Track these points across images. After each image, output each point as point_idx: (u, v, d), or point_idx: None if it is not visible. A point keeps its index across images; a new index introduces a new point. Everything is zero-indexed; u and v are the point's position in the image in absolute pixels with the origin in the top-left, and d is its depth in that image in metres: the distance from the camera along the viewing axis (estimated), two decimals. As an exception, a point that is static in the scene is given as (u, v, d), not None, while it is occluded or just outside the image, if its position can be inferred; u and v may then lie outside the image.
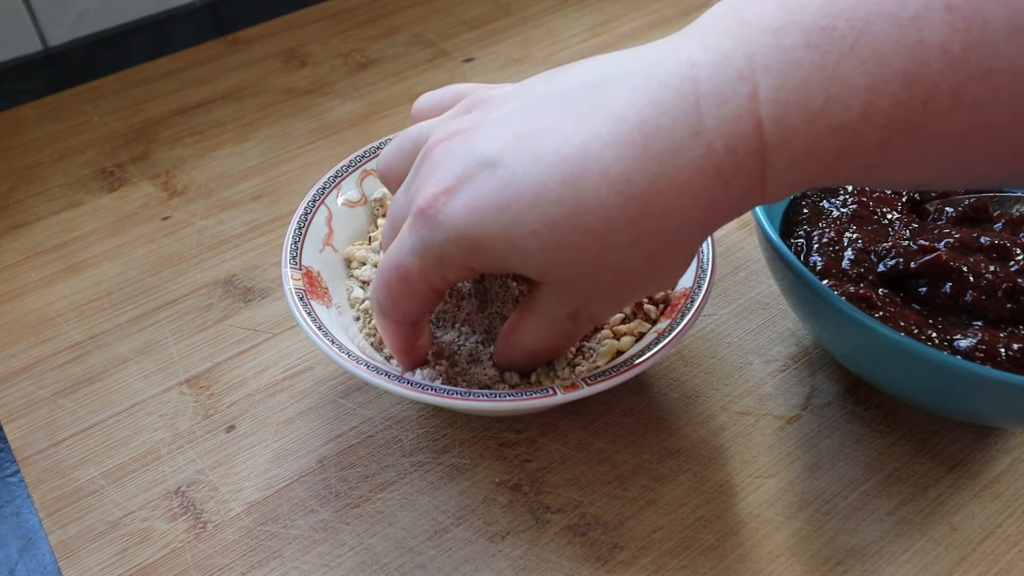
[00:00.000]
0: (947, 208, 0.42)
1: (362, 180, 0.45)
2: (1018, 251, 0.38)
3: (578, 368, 0.38)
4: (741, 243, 0.50)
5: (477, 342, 0.39)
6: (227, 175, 0.57)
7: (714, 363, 0.44)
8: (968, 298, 0.37)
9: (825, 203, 0.43)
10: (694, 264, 0.39)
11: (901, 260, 0.39)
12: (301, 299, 0.38)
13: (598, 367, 0.37)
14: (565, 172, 0.28)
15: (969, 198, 0.42)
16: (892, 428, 0.41)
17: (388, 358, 0.40)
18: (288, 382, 0.44)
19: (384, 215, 0.45)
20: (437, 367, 0.38)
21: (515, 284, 0.38)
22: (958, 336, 0.36)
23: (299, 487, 0.39)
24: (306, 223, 0.42)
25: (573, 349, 0.38)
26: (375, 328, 0.41)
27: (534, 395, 0.35)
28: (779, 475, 0.39)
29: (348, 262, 0.43)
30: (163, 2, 0.74)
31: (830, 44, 0.25)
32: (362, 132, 0.60)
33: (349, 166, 0.45)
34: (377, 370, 0.35)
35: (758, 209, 0.38)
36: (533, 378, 0.38)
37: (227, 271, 0.50)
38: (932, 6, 0.24)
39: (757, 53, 0.26)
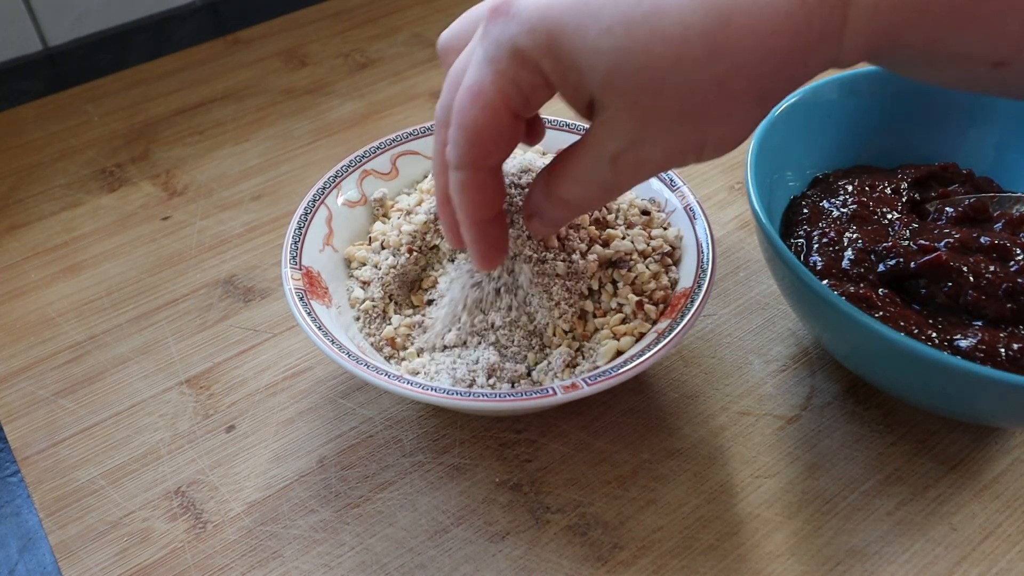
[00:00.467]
0: (947, 208, 0.42)
1: (362, 180, 0.45)
2: (1018, 251, 0.38)
3: (578, 368, 0.38)
4: (741, 243, 0.50)
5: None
6: (227, 175, 0.57)
7: (714, 363, 0.44)
8: (968, 298, 0.37)
9: (825, 203, 0.43)
10: (694, 264, 0.39)
11: (901, 260, 0.39)
12: (301, 299, 0.38)
13: (598, 367, 0.37)
14: None
15: (969, 198, 0.42)
16: (892, 428, 0.41)
17: (388, 358, 0.40)
18: (288, 382, 0.44)
19: (384, 215, 0.45)
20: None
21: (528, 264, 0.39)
22: (958, 336, 0.36)
23: (299, 487, 0.39)
24: (306, 223, 0.42)
25: (573, 349, 0.38)
26: (375, 328, 0.41)
27: (534, 395, 0.35)
28: (779, 475, 0.39)
29: (348, 262, 0.43)
30: (163, 2, 0.74)
31: None
32: (362, 132, 0.60)
33: (349, 166, 0.45)
34: (377, 370, 0.35)
35: (758, 209, 0.38)
36: (534, 376, 0.38)
37: (227, 271, 0.50)
38: None
39: None
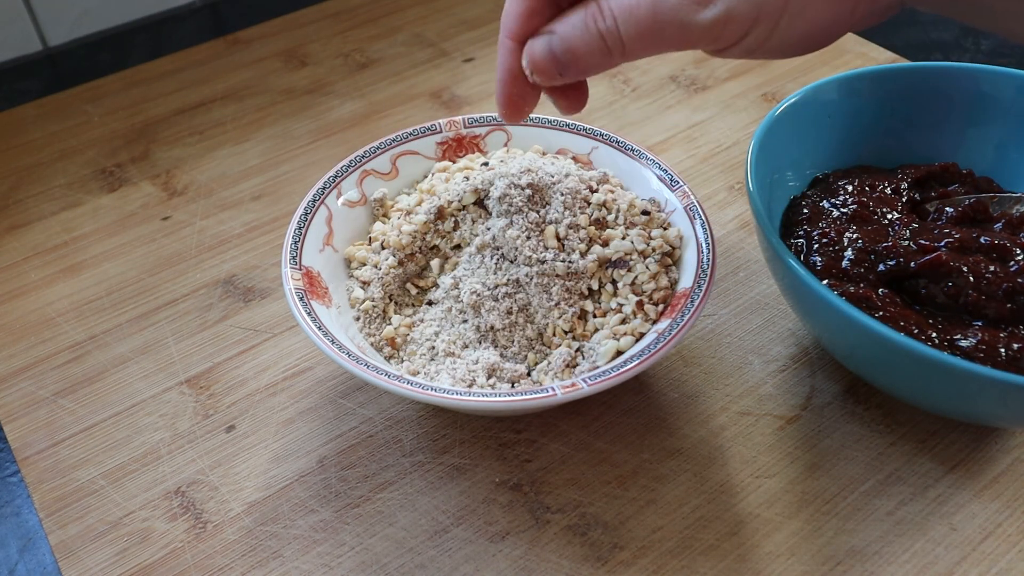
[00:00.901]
0: (947, 208, 0.42)
1: (362, 180, 0.45)
2: (1018, 251, 0.38)
3: (578, 368, 0.38)
4: (741, 243, 0.50)
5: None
6: (227, 175, 0.57)
7: (714, 363, 0.44)
8: (968, 298, 0.37)
9: (825, 203, 0.43)
10: (694, 264, 0.39)
11: (901, 260, 0.39)
12: (301, 299, 0.38)
13: (598, 367, 0.37)
14: None
15: (969, 198, 0.42)
16: (892, 428, 0.41)
17: (388, 358, 0.40)
18: (288, 382, 0.44)
19: (384, 215, 0.45)
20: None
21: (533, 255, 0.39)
22: (958, 336, 0.36)
23: (299, 487, 0.39)
24: (306, 223, 0.42)
25: (573, 349, 0.38)
26: (375, 328, 0.41)
27: (534, 395, 0.35)
28: (779, 475, 0.39)
29: (348, 262, 0.43)
30: (163, 2, 0.74)
31: None
32: (362, 132, 0.60)
33: (349, 166, 0.45)
34: (377, 370, 0.35)
35: (758, 209, 0.38)
36: (534, 376, 0.38)
37: (227, 271, 0.50)
38: None
39: None
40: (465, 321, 0.40)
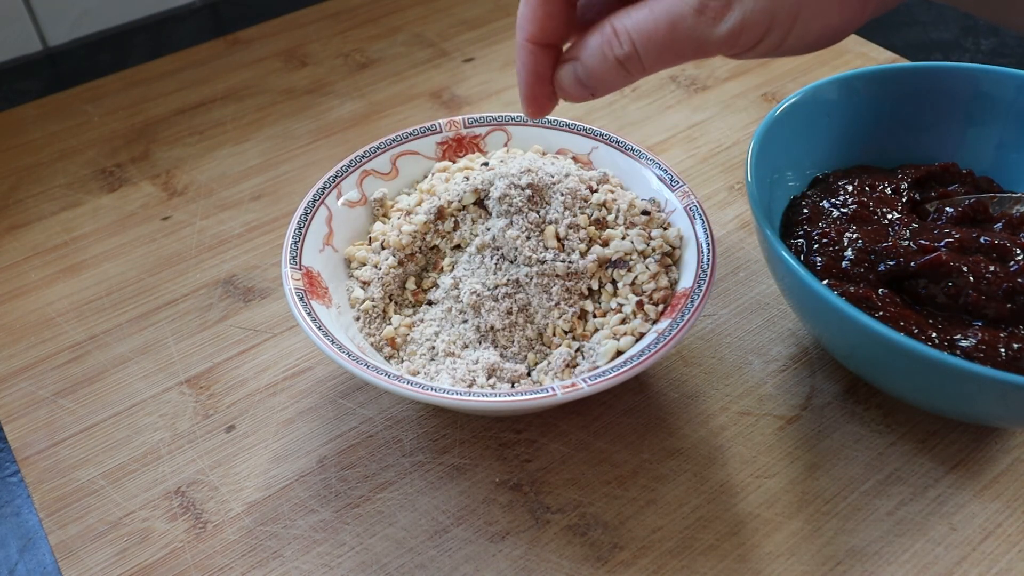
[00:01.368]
0: (947, 208, 0.42)
1: (362, 180, 0.45)
2: (1018, 251, 0.38)
3: (578, 368, 0.38)
4: (741, 243, 0.50)
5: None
6: (227, 175, 0.57)
7: (714, 363, 0.44)
8: (968, 298, 0.37)
9: (825, 203, 0.43)
10: (694, 264, 0.39)
11: (901, 260, 0.39)
12: (301, 299, 0.38)
13: (598, 367, 0.37)
14: None
15: (969, 198, 0.42)
16: (892, 428, 0.41)
17: (388, 358, 0.40)
18: (288, 382, 0.44)
19: (384, 215, 0.45)
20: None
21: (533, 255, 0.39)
22: (958, 336, 0.36)
23: (299, 487, 0.39)
24: (306, 223, 0.42)
25: (573, 349, 0.38)
26: (375, 328, 0.41)
27: (534, 395, 0.35)
28: (779, 475, 0.39)
29: (348, 262, 0.43)
30: (163, 2, 0.74)
31: None
32: (362, 132, 0.60)
33: (349, 166, 0.45)
34: (377, 370, 0.35)
35: (758, 209, 0.38)
36: (534, 376, 0.38)
37: (227, 271, 0.50)
38: None
39: None
40: (465, 321, 0.40)
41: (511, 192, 0.40)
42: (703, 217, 0.41)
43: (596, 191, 0.42)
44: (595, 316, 0.39)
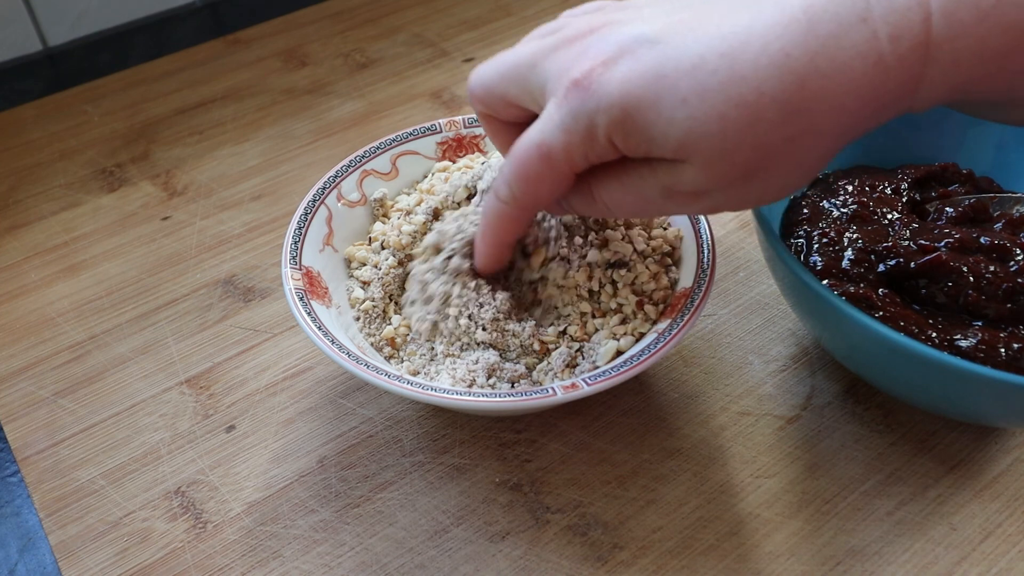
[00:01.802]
0: (947, 208, 0.42)
1: (362, 180, 0.45)
2: (1018, 251, 0.38)
3: (578, 368, 0.38)
4: (741, 243, 0.50)
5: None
6: (227, 175, 0.57)
7: (714, 363, 0.44)
8: (968, 298, 0.37)
9: (825, 203, 0.43)
10: (694, 264, 0.39)
11: (901, 260, 0.39)
12: (301, 299, 0.38)
13: (598, 367, 0.37)
14: (725, 47, 0.28)
15: (969, 198, 0.42)
16: (892, 428, 0.41)
17: (388, 358, 0.40)
18: (288, 382, 0.44)
19: (384, 215, 0.45)
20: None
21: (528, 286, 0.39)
22: (958, 336, 0.36)
23: (299, 487, 0.39)
24: (306, 223, 0.42)
25: (573, 350, 0.38)
26: (375, 328, 0.41)
27: (534, 395, 0.35)
28: (779, 475, 0.39)
29: (348, 262, 0.43)
30: (163, 2, 0.74)
31: None
32: (362, 132, 0.60)
33: (349, 166, 0.45)
34: (377, 370, 0.35)
35: (758, 209, 0.38)
36: (534, 376, 0.38)
37: (227, 271, 0.50)
38: None
39: None
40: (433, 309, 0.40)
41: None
42: (703, 217, 0.41)
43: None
44: (595, 316, 0.39)
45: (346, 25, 0.71)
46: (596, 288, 0.40)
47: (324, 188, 0.43)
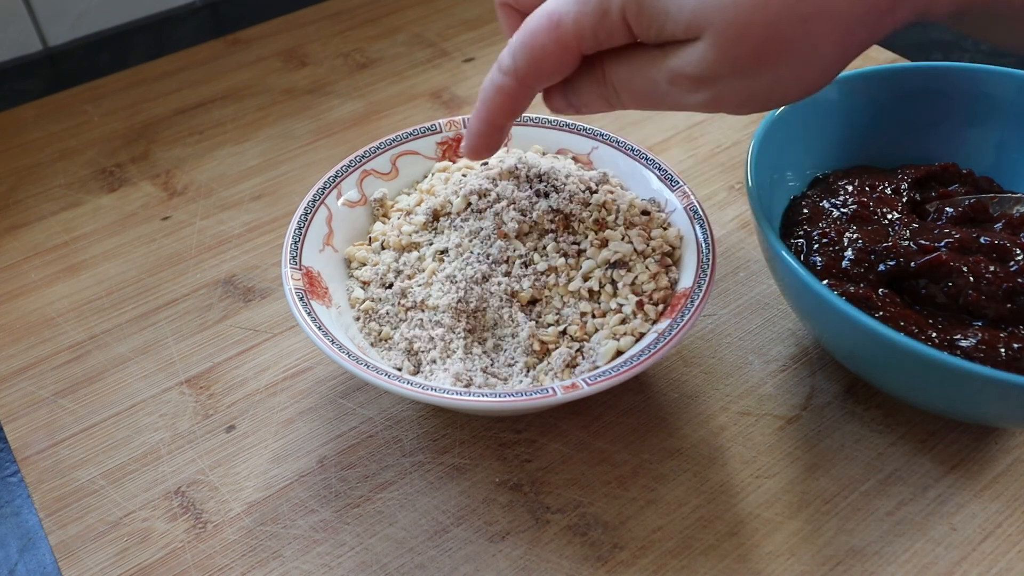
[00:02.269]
0: (947, 208, 0.42)
1: (362, 180, 0.45)
2: (1018, 251, 0.38)
3: (578, 368, 0.38)
4: (741, 243, 0.50)
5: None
6: (227, 175, 0.57)
7: (714, 363, 0.44)
8: (968, 298, 0.37)
9: (825, 203, 0.43)
10: (694, 264, 0.39)
11: (901, 260, 0.39)
12: (301, 299, 0.38)
13: (598, 367, 0.37)
14: None
15: (969, 198, 0.42)
16: (892, 428, 0.41)
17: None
18: (288, 382, 0.44)
19: (384, 215, 0.45)
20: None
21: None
22: (958, 336, 0.36)
23: (299, 487, 0.39)
24: (306, 223, 0.42)
25: (573, 350, 0.38)
26: (375, 328, 0.41)
27: (534, 395, 0.35)
28: (779, 475, 0.39)
29: (348, 262, 0.43)
30: (163, 2, 0.74)
31: None
32: (362, 132, 0.60)
33: (349, 166, 0.45)
34: (377, 370, 0.35)
35: (758, 209, 0.38)
36: (531, 375, 0.38)
37: (227, 271, 0.50)
38: None
39: None
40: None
41: (520, 195, 0.40)
42: (703, 217, 0.41)
43: (596, 191, 0.42)
44: (595, 316, 0.39)
45: (346, 25, 0.71)
46: (596, 288, 0.40)
47: (324, 188, 0.43)
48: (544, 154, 0.47)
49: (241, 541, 0.37)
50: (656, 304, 0.39)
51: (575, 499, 0.38)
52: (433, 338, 0.39)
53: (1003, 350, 0.35)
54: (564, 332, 0.39)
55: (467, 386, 0.38)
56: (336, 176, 0.44)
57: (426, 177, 0.46)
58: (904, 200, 0.43)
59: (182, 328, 0.47)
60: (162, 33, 0.72)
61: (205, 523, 0.38)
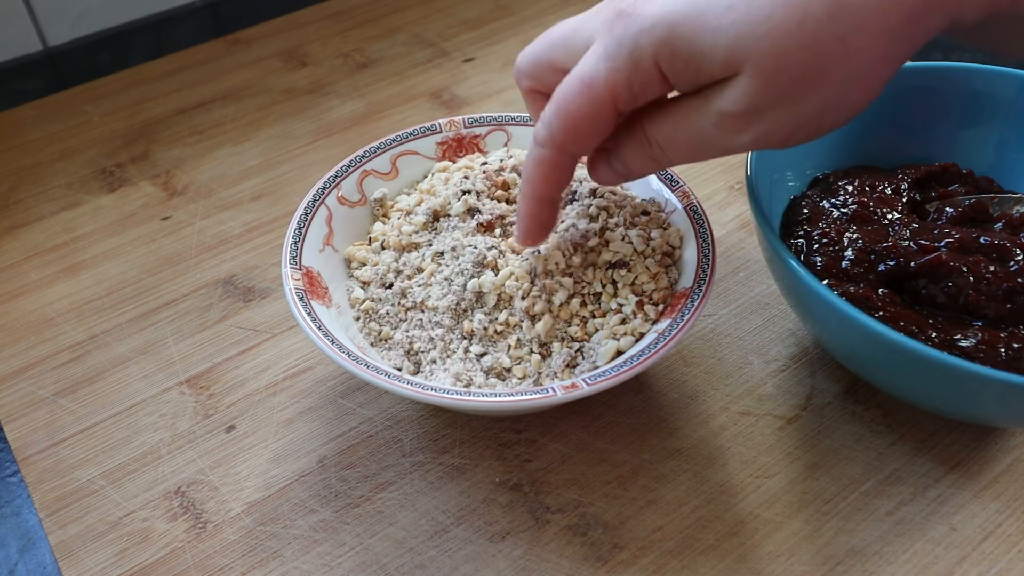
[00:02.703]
0: (947, 208, 0.42)
1: (362, 180, 0.45)
2: (1018, 251, 0.38)
3: (578, 368, 0.38)
4: (741, 243, 0.50)
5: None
6: (227, 175, 0.57)
7: (714, 363, 0.44)
8: (968, 298, 0.37)
9: (825, 203, 0.43)
10: (694, 264, 0.39)
11: (901, 260, 0.39)
12: (301, 299, 0.38)
13: (598, 367, 0.37)
14: None
15: (969, 198, 0.42)
16: (892, 428, 0.41)
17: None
18: (288, 382, 0.44)
19: (384, 215, 0.45)
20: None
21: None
22: (958, 336, 0.36)
23: (299, 487, 0.39)
24: (306, 223, 0.42)
25: (573, 350, 0.38)
26: (375, 327, 0.41)
27: (534, 395, 0.35)
28: (779, 475, 0.39)
29: (348, 262, 0.43)
30: (163, 2, 0.74)
31: None
32: (362, 132, 0.60)
33: (349, 166, 0.45)
34: (377, 370, 0.35)
35: (758, 209, 0.38)
36: (530, 370, 0.38)
37: (227, 271, 0.50)
38: None
39: None
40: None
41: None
42: (703, 217, 0.41)
43: (596, 191, 0.42)
44: (595, 316, 0.39)
45: (346, 25, 0.71)
46: (597, 288, 0.40)
47: (324, 188, 0.43)
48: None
49: (241, 541, 0.37)
50: (656, 304, 0.39)
51: (575, 499, 0.38)
52: (433, 338, 0.39)
53: (1003, 350, 0.35)
54: (564, 332, 0.39)
55: (467, 386, 0.38)
56: (336, 176, 0.44)
57: (426, 177, 0.46)
58: (904, 200, 0.43)
59: (182, 328, 0.47)
60: (162, 33, 0.72)
61: (205, 523, 0.38)
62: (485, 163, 0.44)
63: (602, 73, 0.30)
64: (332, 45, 0.69)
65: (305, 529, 0.38)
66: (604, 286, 0.40)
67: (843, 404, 0.42)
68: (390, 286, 0.41)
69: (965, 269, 0.37)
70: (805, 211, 0.43)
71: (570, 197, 0.41)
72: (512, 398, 0.35)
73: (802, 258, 0.40)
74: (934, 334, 0.36)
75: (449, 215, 0.42)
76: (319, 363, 0.44)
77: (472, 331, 0.39)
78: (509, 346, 0.39)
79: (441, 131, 0.47)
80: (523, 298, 0.38)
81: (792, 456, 0.40)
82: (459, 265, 0.40)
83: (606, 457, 0.40)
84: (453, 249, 0.40)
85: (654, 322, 0.39)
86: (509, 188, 0.43)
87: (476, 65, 0.66)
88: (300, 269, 0.40)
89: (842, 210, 0.42)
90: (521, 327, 0.39)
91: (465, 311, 0.39)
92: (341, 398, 0.43)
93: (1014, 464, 0.39)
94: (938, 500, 0.38)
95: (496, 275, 0.39)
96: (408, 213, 0.43)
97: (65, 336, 0.47)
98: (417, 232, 0.42)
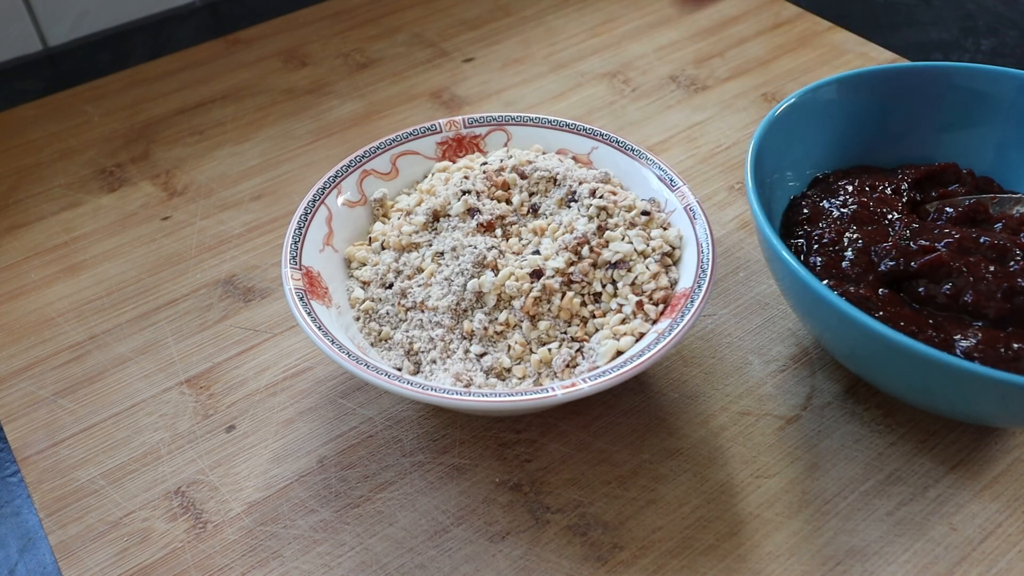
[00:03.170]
0: (947, 208, 0.42)
1: (362, 180, 0.45)
2: (1018, 251, 0.38)
3: (578, 368, 0.38)
4: (741, 243, 0.50)
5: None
6: (227, 175, 0.57)
7: (714, 363, 0.44)
8: (968, 298, 0.37)
9: (825, 203, 0.43)
10: (694, 264, 0.39)
11: (901, 260, 0.39)
12: (301, 299, 0.38)
13: (598, 367, 0.37)
14: None
15: (969, 198, 0.42)
16: (892, 428, 0.41)
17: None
18: (288, 382, 0.44)
19: (384, 215, 0.45)
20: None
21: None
22: (958, 336, 0.36)
23: (299, 487, 0.39)
24: (306, 223, 0.42)
25: (573, 350, 0.38)
26: (375, 328, 0.41)
27: (534, 395, 0.35)
28: (779, 475, 0.39)
29: (348, 262, 0.43)
30: (163, 2, 0.74)
31: None
32: (362, 132, 0.60)
33: (349, 166, 0.45)
34: (377, 370, 0.35)
35: (758, 209, 0.38)
36: (530, 370, 0.38)
37: (227, 271, 0.50)
38: None
39: None
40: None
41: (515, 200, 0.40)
42: (703, 217, 0.41)
43: (596, 191, 0.42)
44: (595, 316, 0.39)
45: (346, 25, 0.71)
46: (597, 288, 0.40)
47: (324, 188, 0.43)
48: (544, 154, 0.47)
49: (241, 541, 0.37)
50: (656, 304, 0.39)
51: (575, 499, 0.38)
52: (433, 338, 0.39)
53: (1003, 350, 0.35)
54: (564, 332, 0.39)
55: (467, 386, 0.38)
56: (336, 176, 0.44)
57: (426, 177, 0.46)
58: (904, 200, 0.43)
59: (182, 328, 0.47)
60: (162, 33, 0.72)
61: (205, 523, 0.38)
62: (485, 163, 0.44)
63: None
64: (332, 45, 0.69)
65: (305, 529, 0.38)
66: (604, 286, 0.40)
67: (843, 404, 0.42)
68: (390, 286, 0.41)
69: (965, 269, 0.37)
70: (805, 211, 0.43)
71: (570, 197, 0.41)
72: (512, 398, 0.35)
73: (802, 258, 0.40)
74: (934, 334, 0.36)
75: (449, 215, 0.42)
76: (319, 363, 0.44)
77: (472, 331, 0.39)
78: (509, 346, 0.39)
79: (441, 131, 0.47)
80: (523, 298, 0.38)
81: (792, 456, 0.40)
82: (459, 265, 0.40)
83: (606, 457, 0.40)
84: (453, 249, 0.40)
85: (654, 322, 0.39)
86: (509, 188, 0.43)
87: (476, 65, 0.66)
88: (300, 269, 0.40)
89: (842, 210, 0.42)
90: (521, 327, 0.39)
91: (465, 311, 0.39)
92: (341, 398, 0.43)
93: (1014, 464, 0.39)
94: (938, 500, 0.38)
95: (496, 275, 0.39)
96: (408, 213, 0.43)
97: (65, 336, 0.47)
98: (417, 232, 0.42)
